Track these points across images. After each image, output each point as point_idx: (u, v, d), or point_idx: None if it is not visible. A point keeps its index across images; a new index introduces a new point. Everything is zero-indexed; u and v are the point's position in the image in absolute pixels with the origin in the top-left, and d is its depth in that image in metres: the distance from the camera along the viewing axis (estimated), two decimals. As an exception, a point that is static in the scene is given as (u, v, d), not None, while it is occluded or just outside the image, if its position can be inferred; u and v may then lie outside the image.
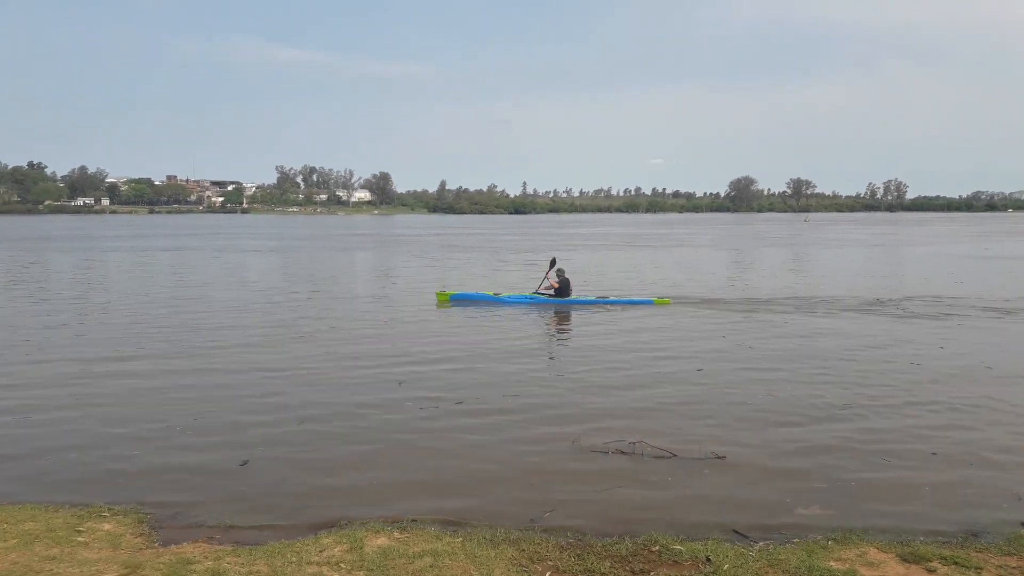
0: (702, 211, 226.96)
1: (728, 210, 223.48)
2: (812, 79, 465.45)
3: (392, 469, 7.50)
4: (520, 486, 7.06)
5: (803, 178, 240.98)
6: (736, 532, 6.07)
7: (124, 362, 12.43)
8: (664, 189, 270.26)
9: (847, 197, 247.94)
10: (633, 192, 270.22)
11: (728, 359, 12.74)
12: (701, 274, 29.09)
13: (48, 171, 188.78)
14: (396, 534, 5.82)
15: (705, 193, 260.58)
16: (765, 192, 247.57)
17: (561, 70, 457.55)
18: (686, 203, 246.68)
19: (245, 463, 7.60)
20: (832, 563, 5.37)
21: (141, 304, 19.89)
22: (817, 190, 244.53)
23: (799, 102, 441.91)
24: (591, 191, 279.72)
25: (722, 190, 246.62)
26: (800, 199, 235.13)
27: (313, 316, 17.85)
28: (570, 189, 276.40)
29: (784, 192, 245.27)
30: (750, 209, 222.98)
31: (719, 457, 7.78)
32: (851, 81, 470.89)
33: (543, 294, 19.82)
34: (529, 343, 14.37)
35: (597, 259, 38.44)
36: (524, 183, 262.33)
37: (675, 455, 7.82)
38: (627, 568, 5.32)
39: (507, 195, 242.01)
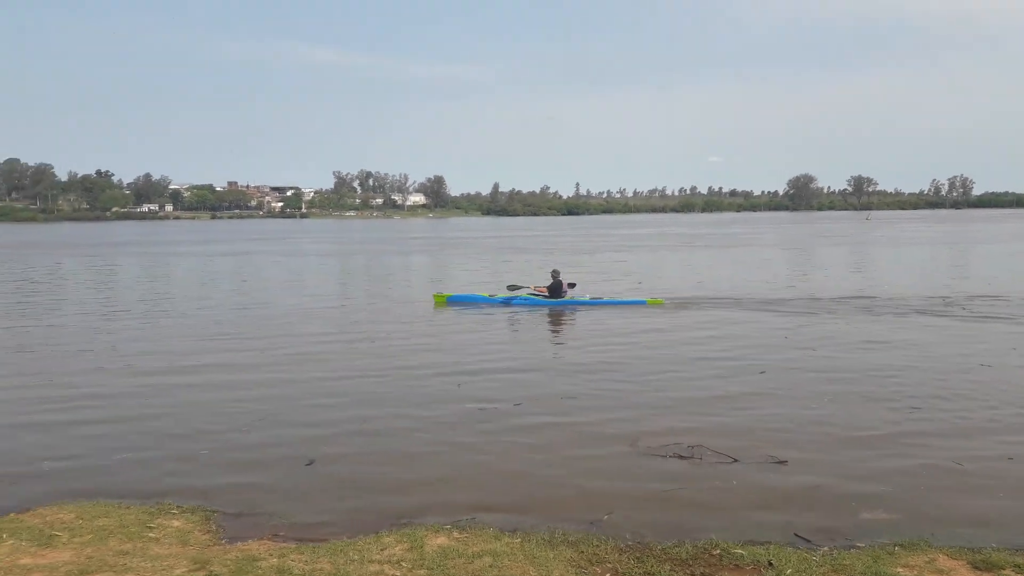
0: (760, 210, 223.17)
1: (787, 209, 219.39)
2: (872, 72, 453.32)
3: (451, 470, 7.57)
4: (578, 488, 7.05)
5: (864, 175, 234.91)
6: (798, 536, 5.96)
7: (193, 366, 12.80)
8: (721, 188, 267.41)
9: (910, 194, 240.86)
10: (688, 191, 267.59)
11: (791, 362, 12.50)
12: (762, 274, 28.60)
13: (115, 179, 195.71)
14: (455, 534, 5.88)
15: (763, 192, 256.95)
16: (825, 190, 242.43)
17: (614, 68, 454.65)
18: (743, 202, 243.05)
19: (311, 463, 7.76)
20: (900, 569, 5.23)
21: (208, 309, 20.42)
22: (879, 187, 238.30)
23: (859, 97, 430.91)
24: (645, 191, 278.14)
25: (781, 188, 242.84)
26: (861, 197, 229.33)
27: (373, 320, 18.13)
28: (624, 189, 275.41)
29: (844, 190, 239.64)
30: (809, 208, 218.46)
31: (780, 462, 7.65)
32: (913, 74, 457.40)
33: (536, 295, 19.77)
34: (582, 347, 14.32)
35: (656, 259, 38.11)
36: (577, 184, 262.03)
37: (735, 459, 7.71)
38: (688, 572, 5.27)
39: (560, 196, 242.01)
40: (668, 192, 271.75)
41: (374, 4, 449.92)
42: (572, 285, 20.02)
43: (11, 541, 5.77)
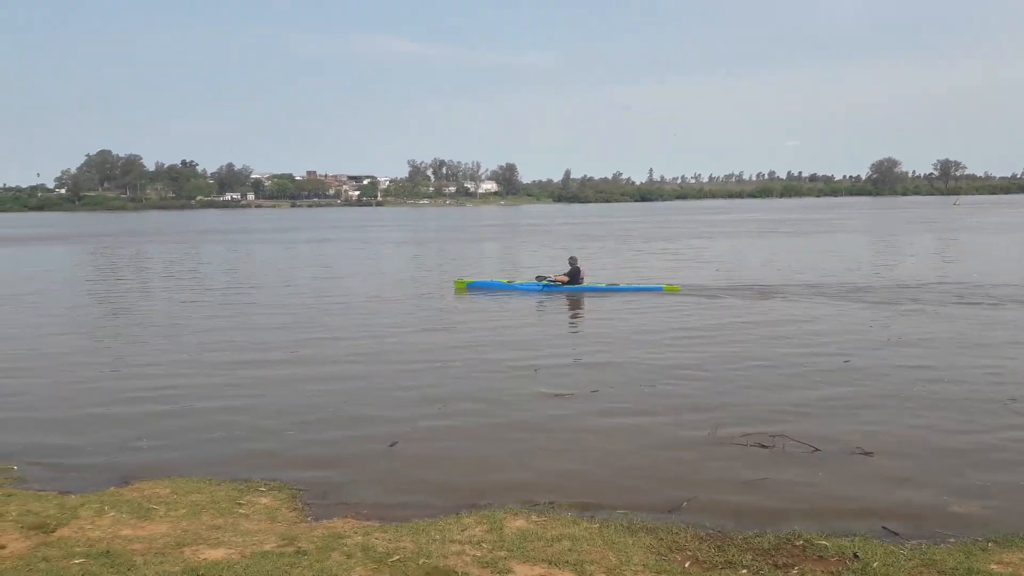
0: (841, 195, 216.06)
1: (869, 194, 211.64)
2: (959, 52, 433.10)
3: (528, 454, 7.63)
4: (656, 475, 7.02)
5: (952, 159, 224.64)
6: (886, 529, 5.80)
7: (278, 352, 13.20)
8: (800, 173, 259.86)
9: (1001, 179, 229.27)
10: (766, 176, 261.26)
11: (876, 352, 12.10)
12: (847, 261, 27.70)
13: (199, 169, 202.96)
14: (534, 517, 5.93)
15: (844, 176, 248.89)
16: (910, 174, 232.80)
17: (689, 52, 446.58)
18: (823, 187, 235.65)
19: (394, 444, 7.94)
20: (993, 566, 5.04)
21: (291, 297, 21.01)
22: (967, 171, 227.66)
23: (945, 79, 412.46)
24: (721, 176, 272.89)
25: (863, 173, 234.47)
26: (948, 181, 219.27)
27: (449, 306, 18.35)
28: (699, 175, 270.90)
29: (931, 174, 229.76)
30: (893, 192, 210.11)
31: (866, 453, 7.45)
32: (1003, 54, 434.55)
33: (556, 281, 19.85)
34: (657, 337, 14.13)
35: (738, 246, 37.22)
36: (650, 170, 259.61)
37: (818, 449, 7.55)
38: (770, 562, 5.20)
39: (633, 182, 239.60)
40: (745, 177, 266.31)
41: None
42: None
43: (112, 513, 6.09)
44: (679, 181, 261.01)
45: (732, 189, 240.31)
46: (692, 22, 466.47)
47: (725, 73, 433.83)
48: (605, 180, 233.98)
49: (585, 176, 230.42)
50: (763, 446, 7.69)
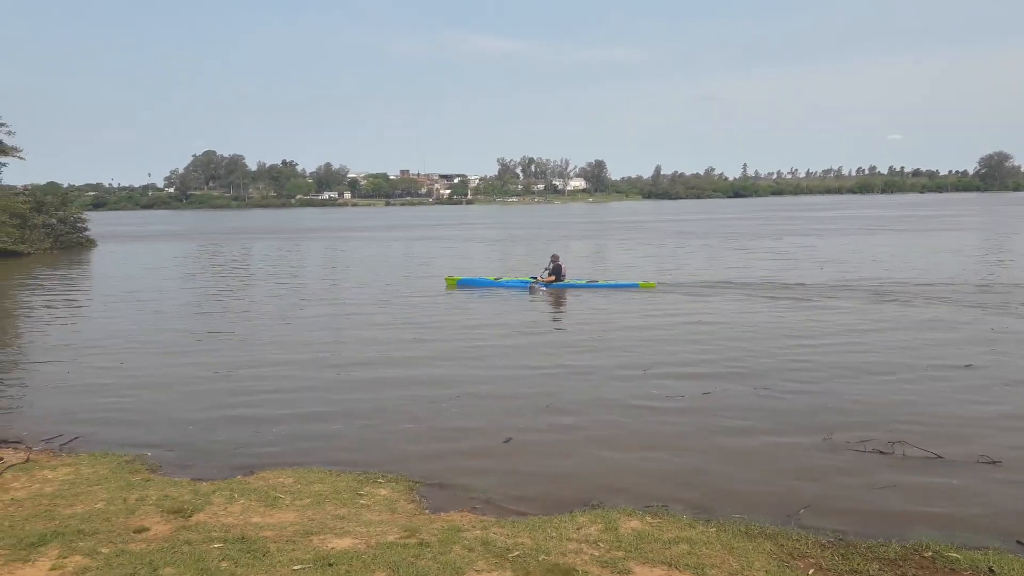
0: (946, 191, 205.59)
1: (978, 189, 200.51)
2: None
3: (640, 455, 7.63)
4: (772, 480, 6.91)
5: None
6: (1021, 544, 5.55)
7: (390, 350, 13.59)
8: (903, 168, 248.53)
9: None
10: (866, 171, 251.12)
11: (1000, 356, 11.57)
12: (964, 260, 26.39)
13: (299, 168, 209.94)
14: (648, 519, 5.93)
15: (950, 171, 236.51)
16: (1022, 168, 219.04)
17: (784, 42, 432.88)
18: (928, 182, 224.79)
19: (508, 440, 8.07)
20: None
21: (399, 295, 21.51)
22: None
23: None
24: (819, 171, 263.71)
25: (971, 167, 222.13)
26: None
27: (544, 308, 18.42)
28: (795, 170, 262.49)
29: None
30: (1004, 188, 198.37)
31: (992, 461, 7.13)
32: None
33: (540, 279, 20.47)
34: (770, 339, 13.83)
35: (846, 244, 35.67)
36: (744, 165, 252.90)
37: (940, 456, 7.27)
38: (897, 572, 5.05)
39: (725, 178, 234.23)
40: (844, 172, 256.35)
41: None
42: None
43: (242, 501, 6.42)
44: (774, 176, 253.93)
45: (830, 185, 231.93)
46: (787, 11, 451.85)
47: (822, 64, 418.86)
48: (697, 176, 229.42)
49: (676, 172, 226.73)
50: (882, 452, 7.47)
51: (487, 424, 8.68)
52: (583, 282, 20.80)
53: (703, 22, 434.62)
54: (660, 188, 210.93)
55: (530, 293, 20.05)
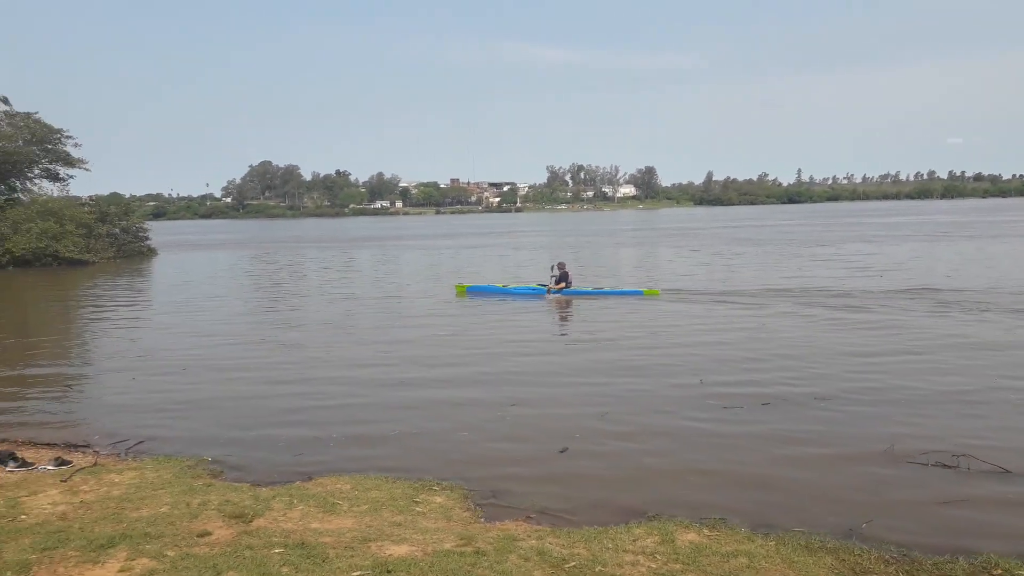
0: (1010, 196, 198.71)
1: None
2: None
3: (697, 466, 7.55)
4: (832, 493, 6.76)
5: None
6: (1098, 564, 5.33)
7: (442, 352, 13.72)
8: (963, 172, 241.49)
9: None
10: (925, 176, 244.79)
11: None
12: None
13: (352, 178, 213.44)
14: (705, 531, 5.85)
15: (1014, 175, 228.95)
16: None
17: (838, 45, 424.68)
18: (990, 187, 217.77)
19: (564, 450, 8.05)
20: None
21: (452, 302, 21.68)
22: None
23: None
24: (875, 176, 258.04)
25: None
26: None
27: (595, 316, 18.36)
28: (851, 175, 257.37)
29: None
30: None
31: (1065, 477, 6.87)
32: None
33: (544, 285, 21.16)
34: (822, 344, 13.57)
35: (913, 251, 34.42)
36: (799, 170, 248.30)
37: (1008, 471, 7.04)
38: (966, 591, 4.90)
39: (779, 183, 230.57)
40: (902, 177, 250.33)
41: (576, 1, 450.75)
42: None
43: (301, 506, 6.53)
44: (829, 182, 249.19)
45: (888, 190, 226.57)
46: (841, 12, 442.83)
47: (878, 66, 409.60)
48: (749, 181, 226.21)
49: (728, 177, 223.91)
50: (946, 466, 7.26)
51: (541, 434, 8.67)
52: (589, 289, 21.44)
53: (758, 27, 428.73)
54: (712, 194, 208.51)
55: (547, 296, 20.68)
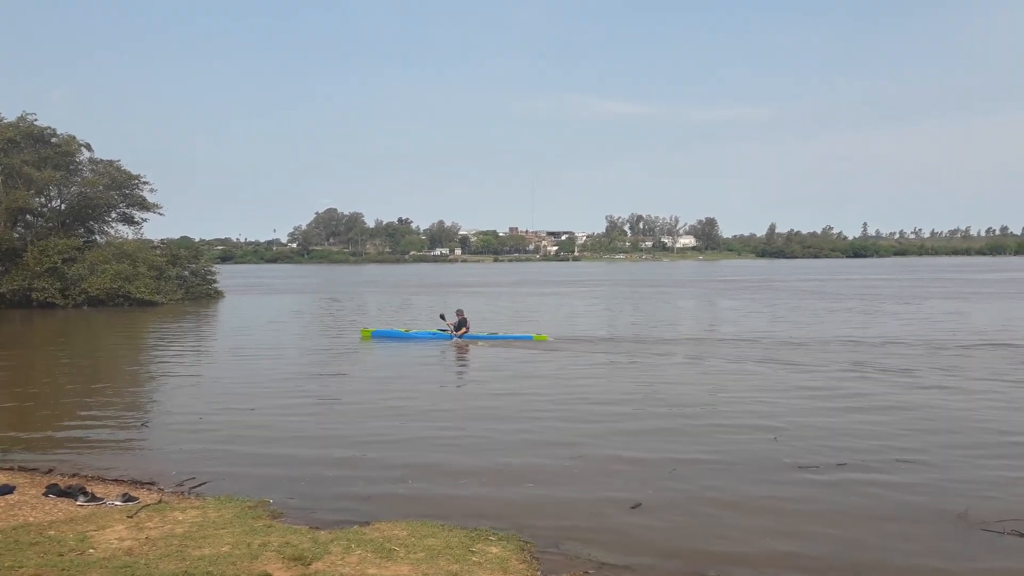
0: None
1: None
2: None
3: (772, 526, 7.35)
4: (908, 562, 6.51)
5: None
6: None
7: (500, 403, 13.72)
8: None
9: None
10: (997, 232, 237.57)
11: None
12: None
13: (413, 225, 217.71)
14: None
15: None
16: None
17: (907, 101, 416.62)
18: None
19: (637, 506, 7.87)
20: None
21: (514, 349, 21.72)
22: None
23: None
24: (944, 231, 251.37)
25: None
26: None
27: (663, 364, 18.15)
28: (919, 229, 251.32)
29: None
30: None
31: None
32: None
33: (444, 330, 22.81)
34: (894, 403, 13.12)
35: (997, 310, 32.87)
36: (864, 224, 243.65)
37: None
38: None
39: (844, 237, 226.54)
40: (972, 232, 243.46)
41: (650, 56, 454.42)
42: (443, 316, 23.36)
43: (359, 551, 6.54)
44: (896, 236, 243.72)
45: (957, 246, 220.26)
46: (910, 65, 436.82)
47: (947, 120, 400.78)
48: (813, 234, 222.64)
49: (791, 230, 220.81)
50: (1020, 534, 6.91)
51: (611, 485, 8.57)
52: (484, 334, 22.98)
53: (825, 80, 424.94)
54: (774, 246, 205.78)
55: (452, 341, 22.21)
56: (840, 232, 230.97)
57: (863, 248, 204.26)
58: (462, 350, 20.98)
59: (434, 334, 23.11)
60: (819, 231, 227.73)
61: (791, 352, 19.25)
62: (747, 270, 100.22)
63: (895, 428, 11.13)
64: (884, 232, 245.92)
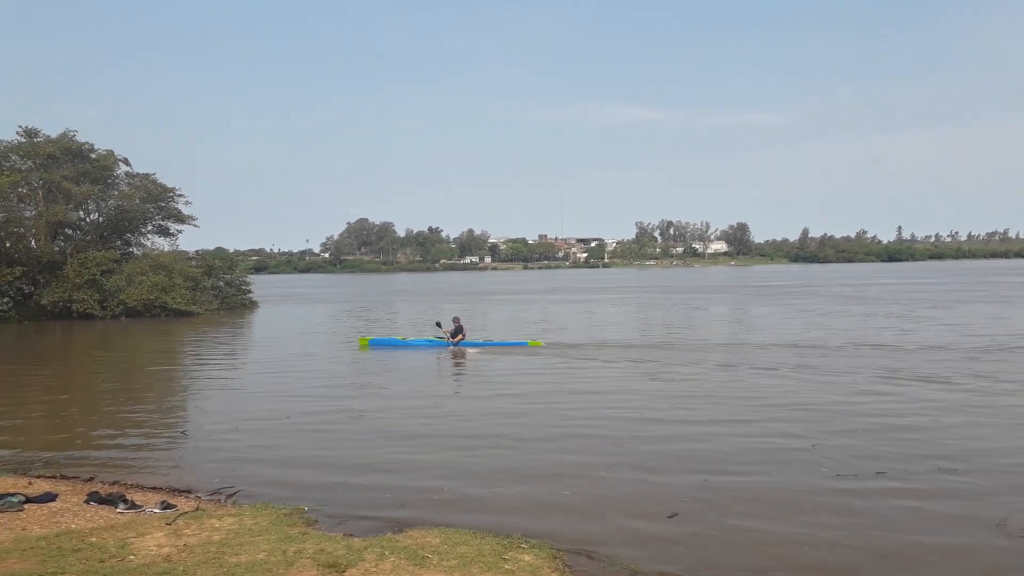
0: None
1: None
2: None
3: (810, 535, 7.26)
4: (942, 571, 6.41)
5: None
6: None
7: (532, 411, 13.69)
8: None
9: None
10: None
11: None
12: None
13: (443, 234, 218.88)
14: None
15: None
16: None
17: (941, 98, 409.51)
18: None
19: (673, 515, 7.83)
20: None
21: (548, 356, 21.73)
22: None
23: None
24: (982, 234, 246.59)
25: None
26: None
27: (696, 370, 18.04)
28: (955, 233, 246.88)
29: None
30: None
31: None
32: None
33: (441, 338, 23.00)
34: (934, 407, 12.91)
35: None
36: (899, 228, 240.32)
37: None
38: None
39: (879, 241, 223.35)
40: (1011, 235, 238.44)
41: (675, 62, 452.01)
42: (439, 324, 23.77)
43: (392, 559, 6.58)
44: (932, 240, 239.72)
45: (995, 248, 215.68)
46: (942, 67, 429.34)
47: (985, 121, 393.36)
48: (847, 239, 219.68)
49: (825, 235, 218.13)
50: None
51: (646, 495, 8.53)
52: (480, 341, 23.34)
53: (857, 82, 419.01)
54: (807, 251, 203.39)
55: (451, 347, 22.49)
56: (874, 236, 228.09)
57: (898, 252, 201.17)
58: (462, 357, 21.16)
59: (431, 341, 23.33)
60: (852, 235, 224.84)
61: (825, 358, 18.99)
62: (782, 275, 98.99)
63: (934, 435, 10.97)
64: (919, 236, 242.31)
